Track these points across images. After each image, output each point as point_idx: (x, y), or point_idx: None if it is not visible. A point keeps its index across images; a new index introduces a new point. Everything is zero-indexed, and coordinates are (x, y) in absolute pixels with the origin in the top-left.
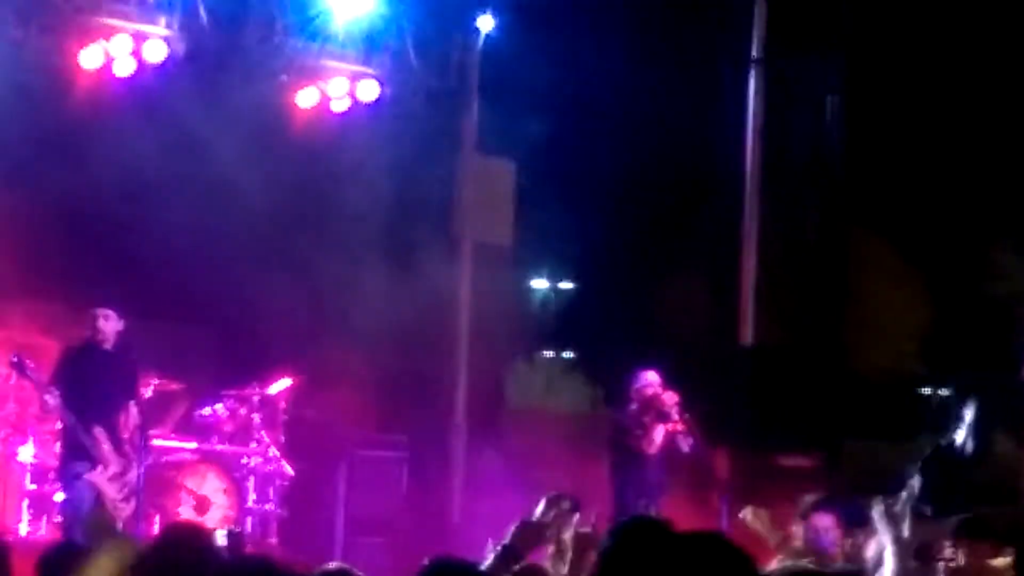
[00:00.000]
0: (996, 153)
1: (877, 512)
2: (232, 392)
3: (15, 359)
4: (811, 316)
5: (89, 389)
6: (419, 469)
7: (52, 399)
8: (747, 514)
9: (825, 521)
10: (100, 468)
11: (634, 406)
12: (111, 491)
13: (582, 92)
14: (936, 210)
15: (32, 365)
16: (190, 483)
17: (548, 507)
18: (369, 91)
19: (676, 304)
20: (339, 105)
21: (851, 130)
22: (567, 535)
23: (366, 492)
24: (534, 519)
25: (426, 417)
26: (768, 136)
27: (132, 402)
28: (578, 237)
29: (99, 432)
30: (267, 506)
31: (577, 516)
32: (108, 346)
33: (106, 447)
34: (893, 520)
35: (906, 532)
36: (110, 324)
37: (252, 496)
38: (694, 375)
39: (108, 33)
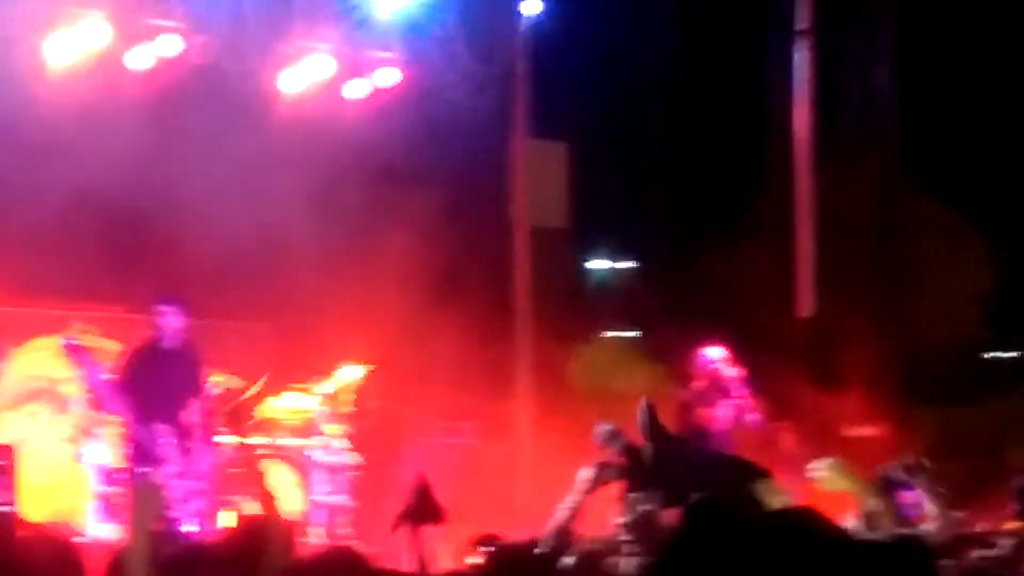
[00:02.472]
0: None
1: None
2: (297, 386)
3: (69, 342)
4: (871, 285)
5: (150, 389)
6: (485, 455)
7: (96, 400)
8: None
9: (910, 497)
10: (162, 468)
11: (698, 383)
12: (172, 491)
13: (630, 70)
14: (993, 173)
15: (87, 355)
16: (259, 478)
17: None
18: (417, 81)
19: (735, 279)
20: (388, 95)
21: (902, 97)
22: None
23: (433, 480)
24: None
25: (491, 403)
26: (819, 107)
27: (197, 399)
28: (636, 215)
29: (161, 431)
30: (336, 498)
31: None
32: (170, 344)
33: (168, 446)
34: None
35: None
36: (170, 320)
37: (321, 488)
38: (757, 349)
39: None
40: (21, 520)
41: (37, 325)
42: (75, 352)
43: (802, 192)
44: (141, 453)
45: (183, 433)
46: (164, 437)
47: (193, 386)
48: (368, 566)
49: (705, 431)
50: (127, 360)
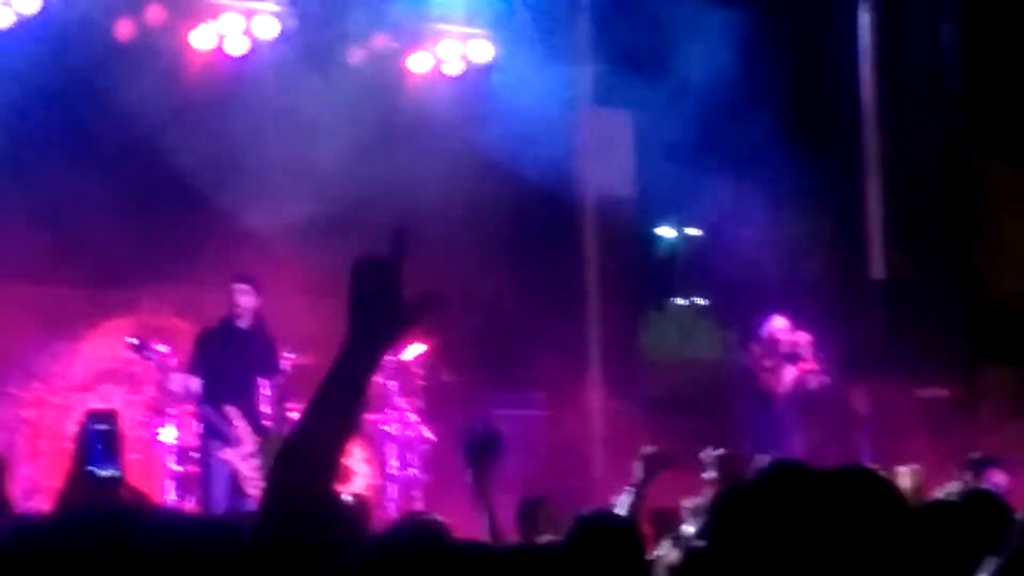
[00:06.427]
0: None
1: None
2: None
3: (136, 341)
4: (941, 245)
5: (223, 370)
6: (557, 425)
7: (175, 385)
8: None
9: (999, 477)
10: (234, 447)
11: (758, 349)
12: (246, 469)
13: (693, 36)
14: None
15: (156, 347)
16: None
17: (648, 467)
18: (481, 52)
19: (804, 242)
20: (452, 68)
21: (967, 56)
22: None
23: (506, 451)
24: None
25: (561, 373)
26: (884, 68)
27: (273, 377)
28: (701, 181)
29: (232, 412)
30: (409, 471)
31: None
32: (244, 323)
33: (240, 426)
34: None
35: None
36: (247, 299)
37: (394, 463)
38: (828, 312)
39: (216, 12)
40: (129, 488)
41: (109, 305)
42: (141, 350)
43: (870, 154)
44: (213, 433)
45: (257, 413)
46: (236, 417)
47: (267, 365)
48: (446, 536)
49: (769, 396)
50: (199, 342)
